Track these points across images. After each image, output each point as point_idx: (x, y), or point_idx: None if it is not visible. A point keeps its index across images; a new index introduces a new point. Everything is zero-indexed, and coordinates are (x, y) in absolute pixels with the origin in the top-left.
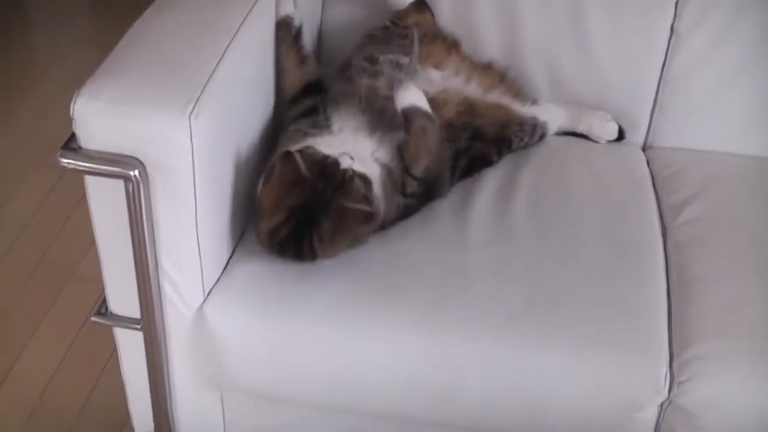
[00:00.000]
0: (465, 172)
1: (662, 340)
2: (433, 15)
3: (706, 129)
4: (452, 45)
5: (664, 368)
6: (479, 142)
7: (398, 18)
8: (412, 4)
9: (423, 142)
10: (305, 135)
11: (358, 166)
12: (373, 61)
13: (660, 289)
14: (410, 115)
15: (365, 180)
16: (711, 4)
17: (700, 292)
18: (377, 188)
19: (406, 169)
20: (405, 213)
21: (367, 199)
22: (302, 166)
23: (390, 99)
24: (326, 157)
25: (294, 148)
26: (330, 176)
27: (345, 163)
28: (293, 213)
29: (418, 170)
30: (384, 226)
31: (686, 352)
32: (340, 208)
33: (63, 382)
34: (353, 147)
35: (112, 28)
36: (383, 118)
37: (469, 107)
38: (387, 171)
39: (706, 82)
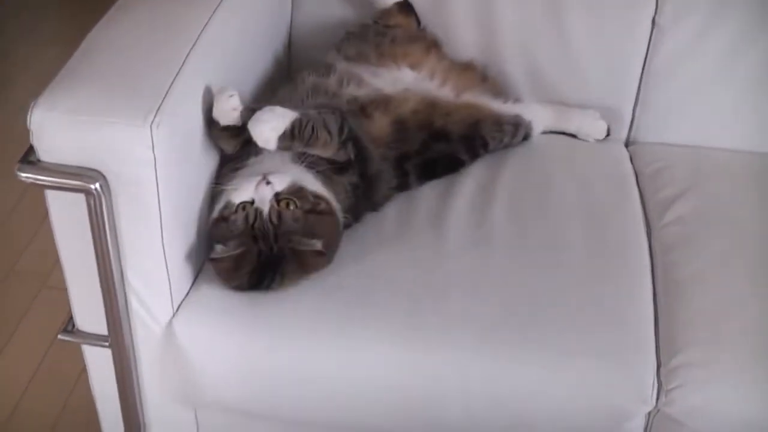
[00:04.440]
0: (427, 174)
1: (649, 347)
2: (418, 19)
3: (689, 123)
4: (432, 44)
5: (651, 377)
6: (442, 143)
7: (380, 17)
8: (397, 4)
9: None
10: (235, 170)
11: (279, 182)
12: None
13: (646, 293)
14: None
15: (297, 194)
16: None
17: (688, 295)
18: (313, 183)
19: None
20: (357, 195)
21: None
22: (232, 253)
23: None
24: (246, 220)
25: (215, 212)
26: (262, 232)
27: (264, 199)
28: (251, 273)
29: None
30: (356, 215)
31: (674, 359)
32: (292, 253)
33: (35, 394)
34: (280, 157)
35: (79, 28)
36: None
37: (430, 107)
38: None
39: (689, 75)
